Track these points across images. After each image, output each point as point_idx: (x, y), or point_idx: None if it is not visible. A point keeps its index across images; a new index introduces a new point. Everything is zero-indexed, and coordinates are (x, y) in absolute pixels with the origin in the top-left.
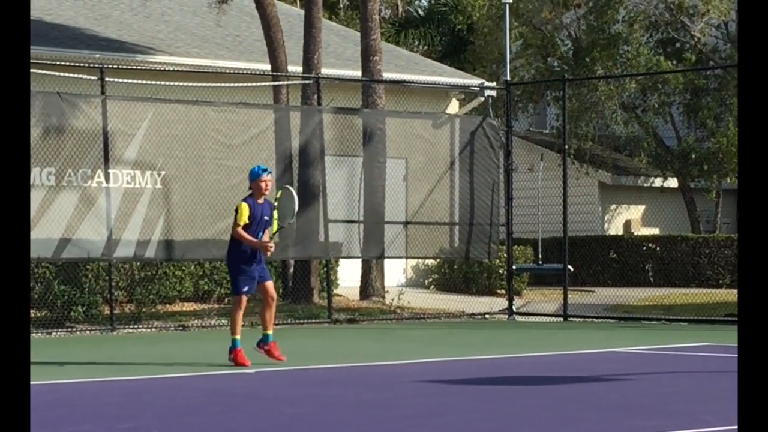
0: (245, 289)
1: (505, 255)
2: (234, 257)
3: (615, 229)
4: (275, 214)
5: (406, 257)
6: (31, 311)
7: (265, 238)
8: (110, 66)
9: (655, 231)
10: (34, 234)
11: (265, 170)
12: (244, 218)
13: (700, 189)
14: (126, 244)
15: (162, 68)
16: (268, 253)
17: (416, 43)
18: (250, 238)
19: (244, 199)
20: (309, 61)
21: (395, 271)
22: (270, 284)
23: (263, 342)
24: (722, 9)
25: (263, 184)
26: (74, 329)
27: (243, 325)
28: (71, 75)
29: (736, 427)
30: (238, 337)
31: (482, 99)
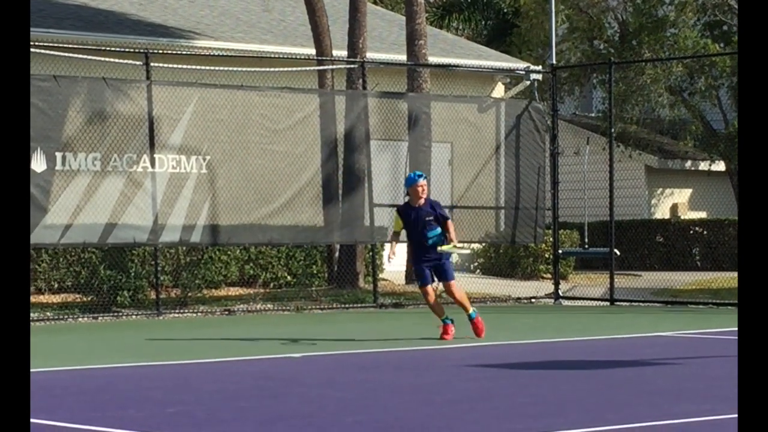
0: (419, 282)
1: (551, 239)
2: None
3: (662, 212)
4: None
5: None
6: (78, 296)
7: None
8: (155, 51)
9: (702, 215)
10: (80, 219)
11: (420, 175)
12: (397, 226)
13: None
14: (171, 228)
15: (207, 53)
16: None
17: (461, 27)
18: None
19: (396, 208)
20: (354, 46)
21: None
22: (448, 284)
23: (469, 319)
24: None
25: (419, 189)
26: (120, 314)
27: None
28: (116, 60)
29: None
30: (441, 317)
31: (528, 83)
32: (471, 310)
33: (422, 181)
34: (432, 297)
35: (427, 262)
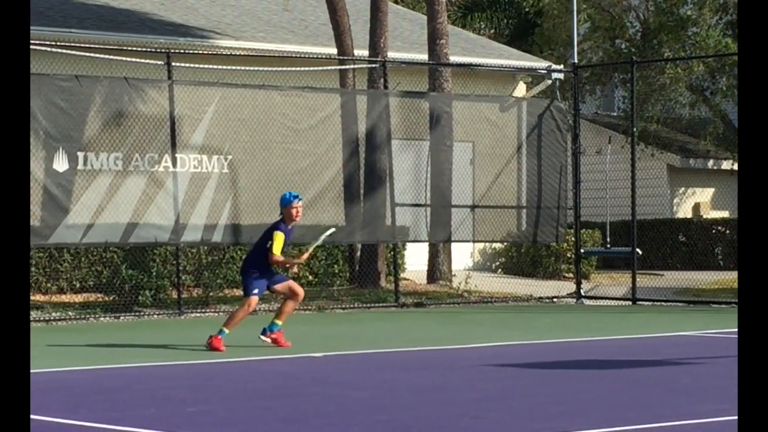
0: (254, 291)
1: (572, 238)
2: (250, 268)
3: (684, 212)
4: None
5: (473, 241)
6: (100, 295)
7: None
8: (177, 51)
9: (725, 214)
10: (102, 219)
11: (296, 197)
12: (280, 248)
13: None
14: (193, 228)
15: (228, 53)
16: (294, 270)
17: (483, 26)
18: (283, 260)
19: (278, 227)
20: (375, 45)
21: (462, 255)
22: (288, 284)
23: (270, 330)
24: None
25: (294, 211)
26: (142, 313)
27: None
28: (138, 60)
29: None
30: (227, 330)
31: (549, 82)
32: (281, 322)
33: (298, 203)
34: (252, 309)
35: (268, 279)
